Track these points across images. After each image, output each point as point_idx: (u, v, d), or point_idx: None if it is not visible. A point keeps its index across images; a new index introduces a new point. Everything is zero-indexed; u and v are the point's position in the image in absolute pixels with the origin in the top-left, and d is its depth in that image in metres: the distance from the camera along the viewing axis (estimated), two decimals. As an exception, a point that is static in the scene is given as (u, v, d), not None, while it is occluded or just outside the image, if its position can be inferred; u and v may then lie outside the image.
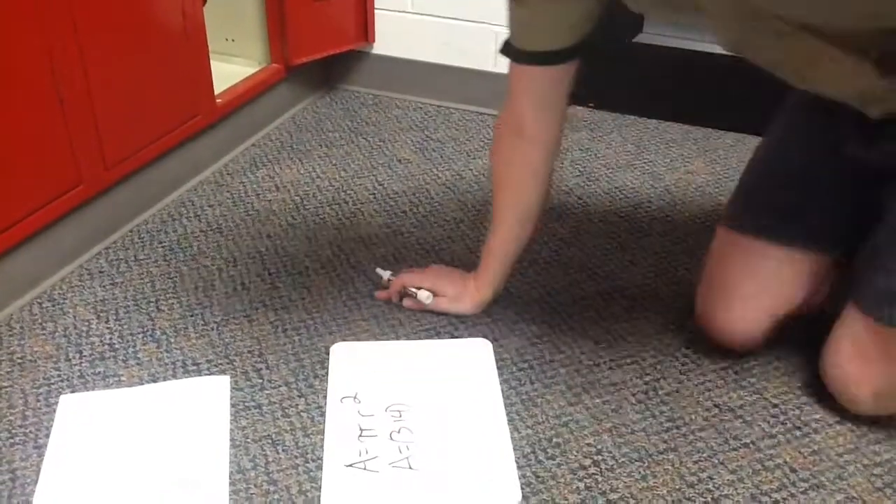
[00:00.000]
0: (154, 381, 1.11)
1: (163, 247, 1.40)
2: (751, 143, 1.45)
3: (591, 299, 1.28)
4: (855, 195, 1.08)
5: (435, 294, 1.22)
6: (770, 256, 1.10)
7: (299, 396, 1.09)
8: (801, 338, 1.17)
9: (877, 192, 1.03)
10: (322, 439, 1.02)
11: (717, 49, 1.71)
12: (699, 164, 1.67)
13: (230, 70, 1.72)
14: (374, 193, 1.56)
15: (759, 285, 1.11)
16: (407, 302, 1.24)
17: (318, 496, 0.95)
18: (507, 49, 1.08)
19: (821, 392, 1.09)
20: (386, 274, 1.28)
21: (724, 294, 1.13)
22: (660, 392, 1.10)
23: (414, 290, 1.23)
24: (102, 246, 1.39)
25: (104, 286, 1.30)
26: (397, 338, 1.19)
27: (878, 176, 1.03)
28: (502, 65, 1.11)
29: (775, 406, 1.08)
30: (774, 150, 1.16)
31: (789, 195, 1.10)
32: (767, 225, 1.11)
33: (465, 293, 1.23)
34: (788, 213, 1.10)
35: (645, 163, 1.67)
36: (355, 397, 1.08)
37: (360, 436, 1.02)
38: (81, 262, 1.35)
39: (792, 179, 1.11)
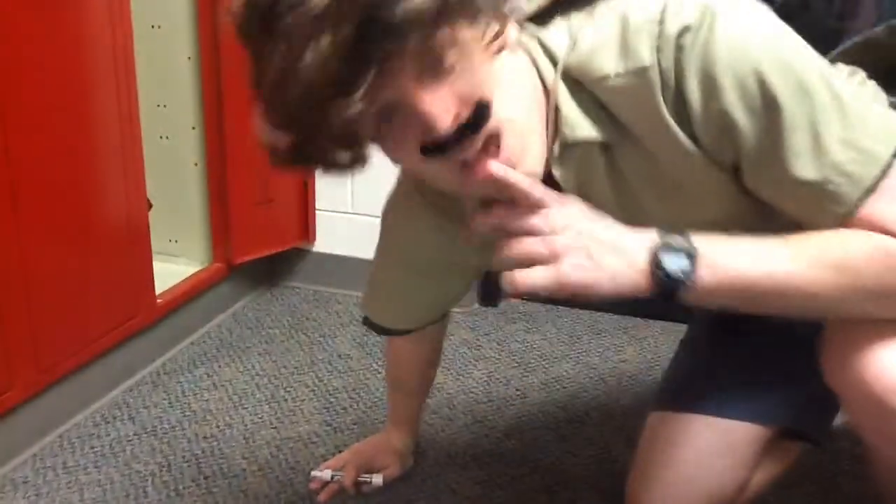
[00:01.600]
0: None
1: (94, 452, 1.35)
2: (678, 330, 1.52)
3: (533, 494, 1.27)
4: (789, 361, 1.05)
5: (378, 471, 1.26)
6: (702, 433, 1.04)
7: None
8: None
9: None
10: None
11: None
12: (631, 352, 1.73)
13: (173, 270, 1.75)
14: (313, 390, 1.56)
15: (689, 468, 1.03)
16: (365, 488, 1.25)
17: None
18: (368, 323, 1.18)
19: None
20: (327, 474, 1.25)
21: (649, 481, 1.07)
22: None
23: (367, 478, 1.24)
24: (29, 453, 1.34)
25: (28, 497, 1.24)
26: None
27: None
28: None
29: None
30: (702, 330, 1.17)
31: (718, 368, 1.08)
32: (700, 396, 1.05)
33: (398, 454, 1.27)
34: (724, 383, 1.05)
35: (579, 353, 1.72)
36: None
37: None
38: (5, 472, 1.29)
39: (724, 354, 1.09)
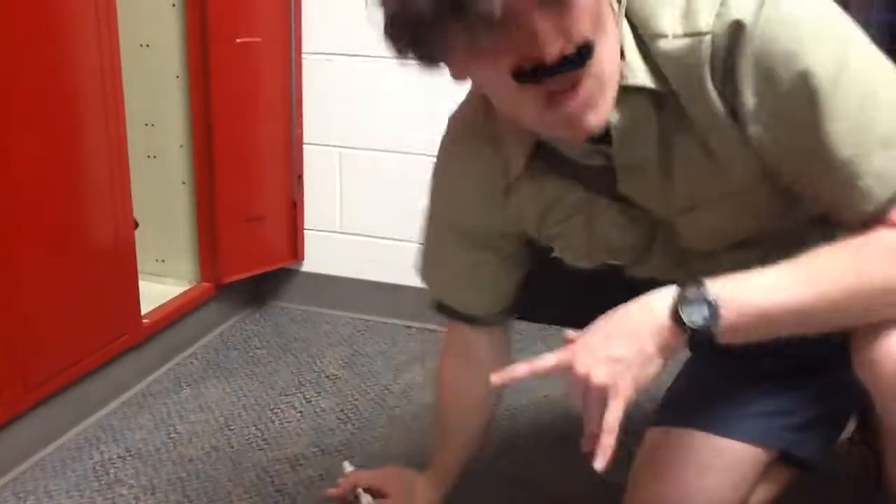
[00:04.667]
0: None
1: (76, 475, 1.33)
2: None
3: (524, 515, 1.26)
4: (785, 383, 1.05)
5: (380, 495, 1.18)
6: (702, 449, 1.03)
7: None
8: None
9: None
10: None
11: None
12: (622, 372, 1.71)
13: (160, 290, 1.73)
14: (301, 411, 1.54)
15: (686, 485, 1.03)
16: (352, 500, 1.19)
17: None
18: (435, 305, 1.10)
19: None
20: (349, 467, 1.21)
21: (647, 497, 1.06)
22: None
23: (361, 494, 1.19)
24: (11, 476, 1.32)
25: (9, 521, 1.22)
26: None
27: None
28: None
29: None
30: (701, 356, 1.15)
31: (721, 388, 1.07)
32: (702, 413, 1.05)
33: (411, 496, 1.17)
34: (727, 403, 1.05)
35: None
36: None
37: None
38: (-14, 496, 1.27)
39: (730, 375, 1.07)
